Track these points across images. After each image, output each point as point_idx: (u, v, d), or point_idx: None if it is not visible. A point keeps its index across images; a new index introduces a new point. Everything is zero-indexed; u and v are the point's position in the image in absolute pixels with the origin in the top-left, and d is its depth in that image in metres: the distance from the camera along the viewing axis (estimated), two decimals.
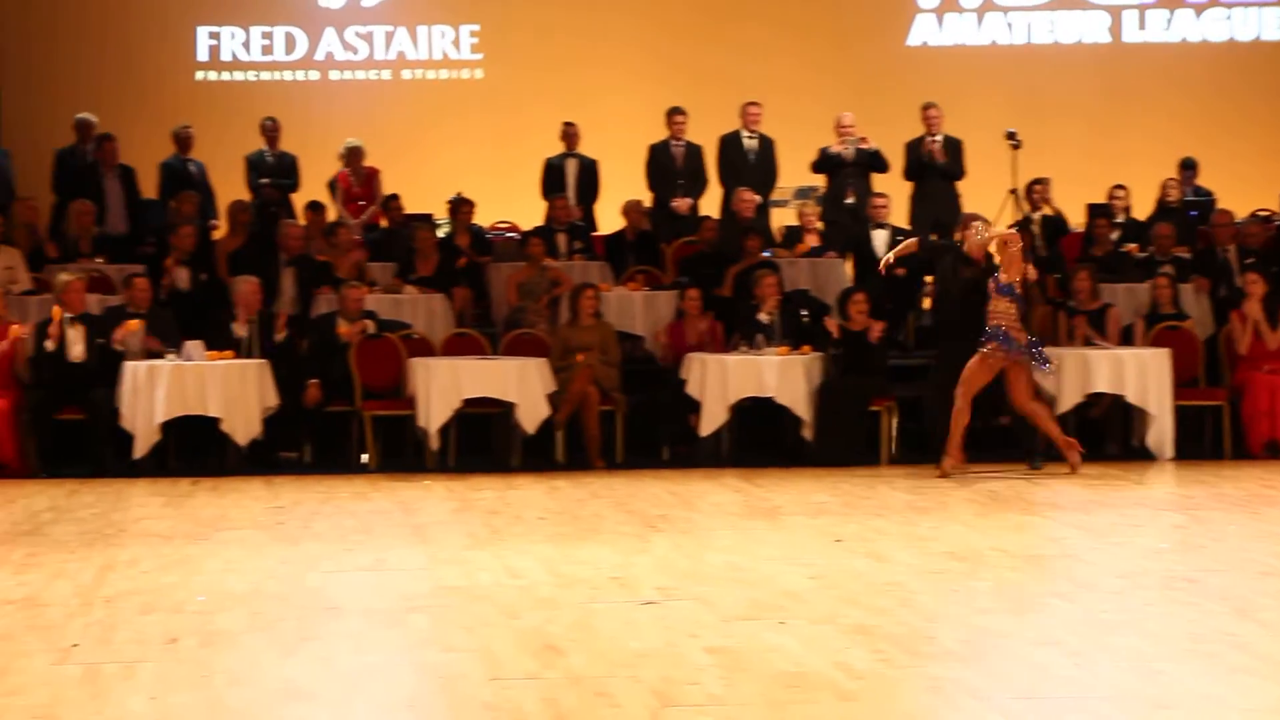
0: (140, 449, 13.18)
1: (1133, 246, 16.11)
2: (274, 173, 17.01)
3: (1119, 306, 14.65)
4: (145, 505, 11.56)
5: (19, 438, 13.24)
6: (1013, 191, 16.39)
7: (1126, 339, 14.47)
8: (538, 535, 10.14)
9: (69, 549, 9.62)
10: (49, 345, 13.37)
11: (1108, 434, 14.31)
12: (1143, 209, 16.86)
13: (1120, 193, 16.69)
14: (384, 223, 16.82)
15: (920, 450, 13.63)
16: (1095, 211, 16.48)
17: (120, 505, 11.53)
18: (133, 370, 13.19)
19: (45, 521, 10.78)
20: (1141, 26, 20.05)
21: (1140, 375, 13.77)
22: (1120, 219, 16.49)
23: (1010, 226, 14.58)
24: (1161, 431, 13.77)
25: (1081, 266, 14.84)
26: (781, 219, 17.20)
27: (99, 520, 10.82)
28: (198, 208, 16.16)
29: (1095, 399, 14.01)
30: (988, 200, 16.26)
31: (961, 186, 16.58)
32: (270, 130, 17.19)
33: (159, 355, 13.43)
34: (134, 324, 13.54)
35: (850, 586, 8.34)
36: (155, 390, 13.12)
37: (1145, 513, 11.44)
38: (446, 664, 6.77)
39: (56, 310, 13.46)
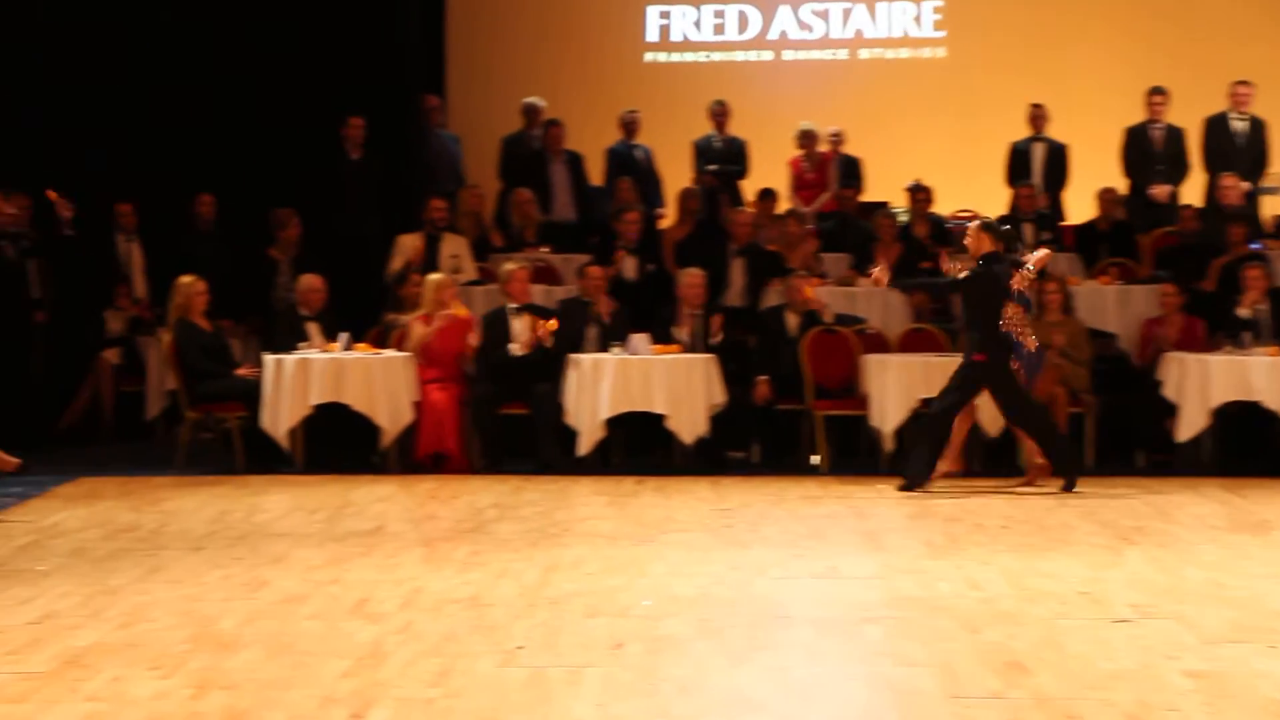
0: (584, 446, 13.46)
1: None
2: (722, 158, 17.21)
3: None
4: (589, 504, 11.80)
5: (463, 432, 13.67)
6: None
7: None
8: (1000, 545, 10.04)
9: (513, 548, 9.88)
10: (514, 349, 13.76)
11: None
12: None
13: None
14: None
15: None
16: None
17: (564, 503, 11.80)
18: (577, 364, 13.49)
19: (489, 519, 11.09)
20: None
21: None
22: None
23: None
24: None
25: None
26: (1273, 208, 16.69)
27: (543, 519, 11.08)
28: (639, 194, 16.45)
29: None
30: None
31: None
32: (718, 114, 17.38)
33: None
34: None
35: None
36: (600, 385, 13.38)
37: None
38: (903, 678, 6.75)
39: (540, 324, 13.83)
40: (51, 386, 15.39)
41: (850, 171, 17.34)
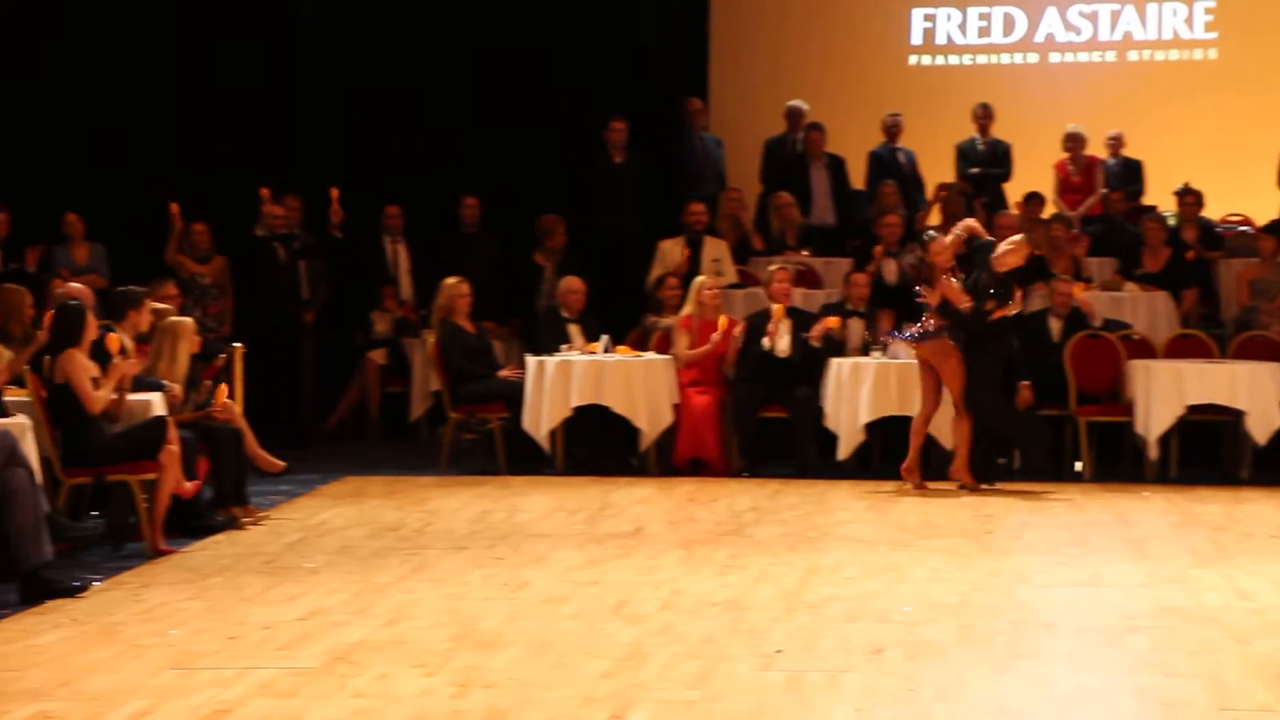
0: (844, 450, 13.44)
1: None
2: (985, 161, 17.05)
3: None
4: (848, 508, 11.77)
5: (722, 434, 13.70)
6: None
7: None
8: (1270, 554, 9.84)
9: (772, 551, 9.89)
10: (765, 343, 13.74)
11: None
12: None
13: None
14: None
15: None
16: None
17: (823, 507, 11.78)
18: (837, 368, 13.45)
19: (748, 522, 11.12)
20: None
21: None
22: None
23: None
24: None
25: None
26: None
27: (802, 523, 11.08)
28: (902, 198, 16.35)
29: None
30: None
31: None
32: (982, 117, 17.21)
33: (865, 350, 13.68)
34: (832, 321, 13.79)
35: None
36: (860, 389, 13.34)
37: None
38: (1169, 690, 6.64)
39: (778, 310, 13.80)
40: (320, 387, 15.70)
41: (1131, 175, 17.04)
